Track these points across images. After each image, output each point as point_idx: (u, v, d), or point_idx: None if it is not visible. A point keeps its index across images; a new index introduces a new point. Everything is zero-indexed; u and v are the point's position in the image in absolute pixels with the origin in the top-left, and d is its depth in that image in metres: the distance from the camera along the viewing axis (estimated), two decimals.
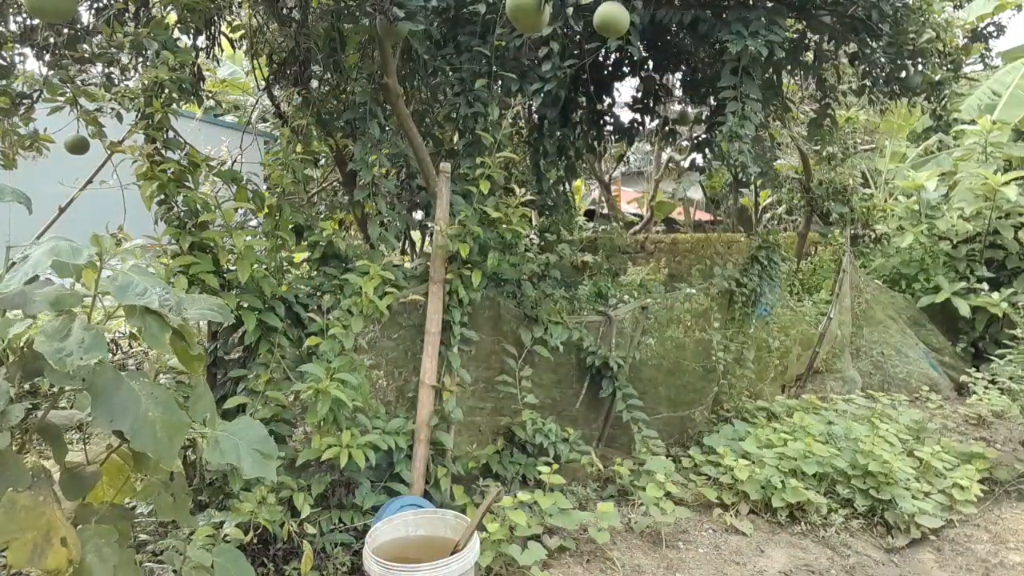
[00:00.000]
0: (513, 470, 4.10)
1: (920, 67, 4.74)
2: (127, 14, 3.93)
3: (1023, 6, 10.68)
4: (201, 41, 4.28)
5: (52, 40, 3.82)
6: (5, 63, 3.67)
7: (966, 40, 4.95)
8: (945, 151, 9.90)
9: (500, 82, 4.47)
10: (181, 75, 3.41)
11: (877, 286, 7.85)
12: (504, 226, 3.99)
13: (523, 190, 3.99)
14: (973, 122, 8.48)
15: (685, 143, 7.95)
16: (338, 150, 5.16)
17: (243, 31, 4.75)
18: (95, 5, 3.92)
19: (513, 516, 3.38)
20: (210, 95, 4.49)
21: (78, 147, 4.07)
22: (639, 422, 4.48)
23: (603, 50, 5.18)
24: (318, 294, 3.77)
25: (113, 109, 3.75)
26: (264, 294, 3.49)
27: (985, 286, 7.56)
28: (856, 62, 5.05)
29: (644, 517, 3.94)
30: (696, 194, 13.17)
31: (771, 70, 5.17)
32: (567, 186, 5.90)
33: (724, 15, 4.30)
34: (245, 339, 3.53)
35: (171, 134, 3.51)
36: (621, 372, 4.56)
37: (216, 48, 4.37)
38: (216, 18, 4.22)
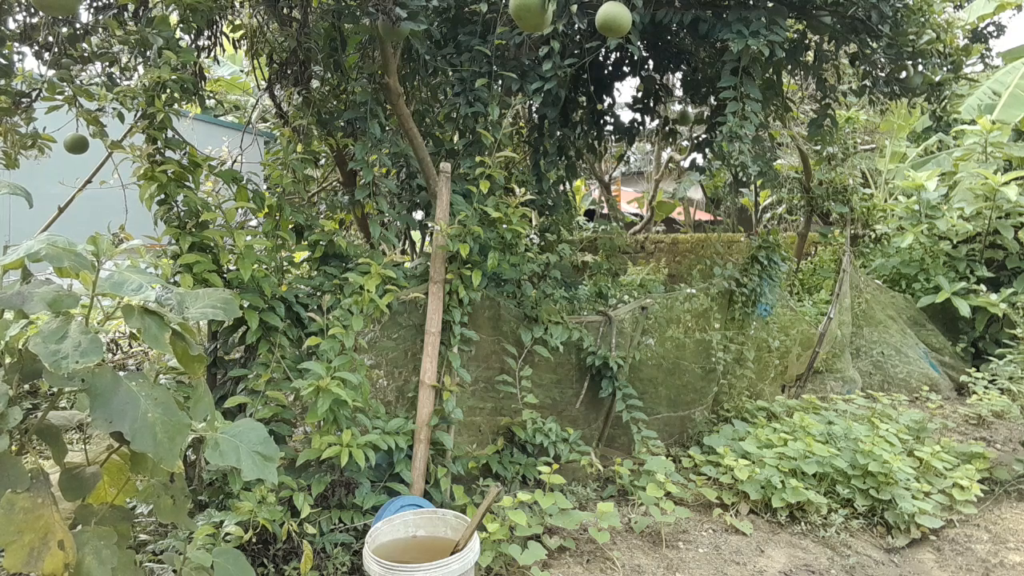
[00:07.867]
0: (513, 470, 4.10)
1: (920, 68, 4.74)
2: (126, 13, 3.93)
3: (1023, 6, 10.68)
4: (202, 41, 4.28)
5: (52, 39, 3.81)
6: (5, 62, 3.67)
7: (966, 41, 4.94)
8: (945, 151, 9.89)
9: (500, 81, 4.47)
10: (183, 75, 3.41)
11: (877, 286, 7.85)
12: (504, 226, 3.99)
13: (523, 190, 3.99)
14: (973, 122, 8.48)
15: (685, 143, 7.94)
16: (338, 150, 5.16)
17: (244, 31, 4.75)
18: (95, 4, 3.92)
19: (513, 516, 3.38)
20: (211, 95, 4.49)
21: (77, 146, 4.06)
22: (639, 422, 4.48)
23: (603, 50, 5.18)
24: (318, 294, 3.77)
25: (114, 109, 3.76)
26: (265, 294, 3.49)
27: (983, 287, 7.56)
28: (856, 62, 5.05)
29: (644, 517, 3.94)
30: (696, 194, 13.15)
31: (771, 70, 5.17)
32: (567, 186, 5.90)
33: (724, 15, 4.30)
34: (247, 339, 3.54)
35: (170, 134, 3.50)
36: (621, 372, 4.56)
37: (217, 48, 4.37)
38: (218, 18, 4.21)
